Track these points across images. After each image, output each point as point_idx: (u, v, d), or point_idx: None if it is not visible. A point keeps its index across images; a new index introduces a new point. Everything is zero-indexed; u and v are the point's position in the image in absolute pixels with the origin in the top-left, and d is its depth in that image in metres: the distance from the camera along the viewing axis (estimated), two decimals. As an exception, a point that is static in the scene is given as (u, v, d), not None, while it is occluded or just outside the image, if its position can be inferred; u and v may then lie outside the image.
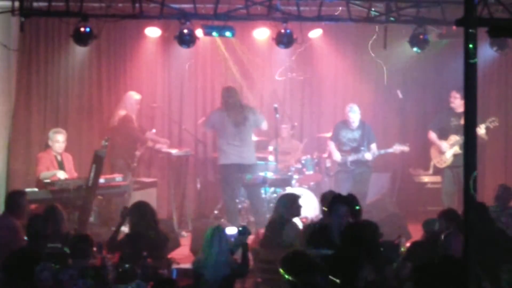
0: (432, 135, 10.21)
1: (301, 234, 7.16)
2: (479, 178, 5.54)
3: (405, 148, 9.98)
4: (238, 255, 6.19)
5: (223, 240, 5.87)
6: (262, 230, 7.55)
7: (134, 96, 10.14)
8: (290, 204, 7.26)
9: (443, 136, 10.11)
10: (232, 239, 6.25)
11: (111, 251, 6.51)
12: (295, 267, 5.01)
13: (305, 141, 10.88)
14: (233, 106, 9.42)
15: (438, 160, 10.20)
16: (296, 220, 8.17)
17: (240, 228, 6.04)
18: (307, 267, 5.00)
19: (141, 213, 6.97)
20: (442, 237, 6.00)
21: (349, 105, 10.04)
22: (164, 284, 5.28)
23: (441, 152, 10.12)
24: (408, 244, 6.58)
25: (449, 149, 10.00)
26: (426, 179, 11.07)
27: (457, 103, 9.99)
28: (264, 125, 9.70)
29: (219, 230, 5.95)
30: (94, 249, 6.16)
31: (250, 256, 6.54)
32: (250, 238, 7.38)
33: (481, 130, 9.76)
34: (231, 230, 6.05)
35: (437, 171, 10.61)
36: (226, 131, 9.41)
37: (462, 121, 10.00)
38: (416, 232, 7.07)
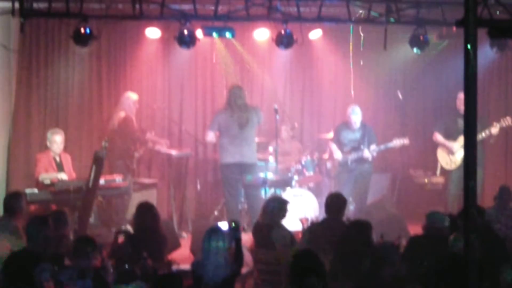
0: (439, 137, 10.15)
1: (289, 235, 7.16)
2: (479, 178, 5.55)
3: (405, 141, 9.97)
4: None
5: (221, 241, 5.87)
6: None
7: (132, 96, 10.13)
8: (280, 208, 7.28)
9: (450, 137, 10.05)
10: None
11: (114, 257, 6.50)
12: (301, 268, 5.01)
13: (306, 145, 10.89)
14: (239, 107, 9.43)
15: (446, 161, 10.14)
16: (293, 220, 8.21)
17: (233, 224, 6.04)
18: (314, 269, 4.99)
19: (145, 214, 6.97)
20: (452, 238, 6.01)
21: (350, 107, 10.04)
22: (169, 279, 5.27)
23: (451, 153, 10.06)
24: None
25: (461, 149, 9.93)
26: (426, 180, 11.05)
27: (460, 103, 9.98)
28: (262, 120, 9.74)
29: (217, 231, 5.94)
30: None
31: (246, 252, 6.54)
32: (249, 239, 7.40)
33: (495, 129, 9.77)
34: (223, 226, 6.04)
35: (442, 173, 10.56)
36: (230, 131, 9.42)
37: None
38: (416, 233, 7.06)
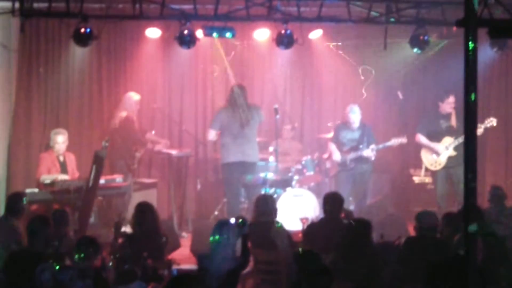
0: (422, 138, 10.11)
1: (287, 234, 7.16)
2: (479, 178, 5.55)
3: (403, 140, 9.97)
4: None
5: (231, 234, 5.92)
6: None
7: (134, 97, 10.13)
8: (267, 206, 7.28)
9: (433, 138, 10.04)
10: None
11: (114, 257, 6.50)
12: (307, 267, 5.01)
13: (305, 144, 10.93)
14: (241, 106, 9.44)
15: (431, 162, 10.11)
16: (293, 220, 8.20)
17: (240, 220, 6.07)
18: (319, 269, 5.01)
19: (144, 214, 6.97)
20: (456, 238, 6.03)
21: (349, 106, 10.06)
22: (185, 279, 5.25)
23: (436, 154, 10.04)
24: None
25: (445, 150, 9.95)
26: (426, 179, 11.05)
27: (448, 106, 9.99)
28: (263, 119, 9.73)
29: (227, 223, 6.00)
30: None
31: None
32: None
33: (479, 130, 9.72)
34: (230, 221, 6.10)
35: (427, 173, 10.56)
36: (231, 130, 9.43)
37: (452, 122, 9.99)
38: (416, 233, 7.07)
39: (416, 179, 10.96)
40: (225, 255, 5.85)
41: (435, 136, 10.01)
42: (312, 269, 5.00)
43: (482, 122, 9.81)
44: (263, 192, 9.52)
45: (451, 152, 9.88)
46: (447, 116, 9.92)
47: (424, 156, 10.21)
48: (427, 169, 10.34)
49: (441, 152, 9.98)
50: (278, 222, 7.27)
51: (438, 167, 10.05)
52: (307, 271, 4.98)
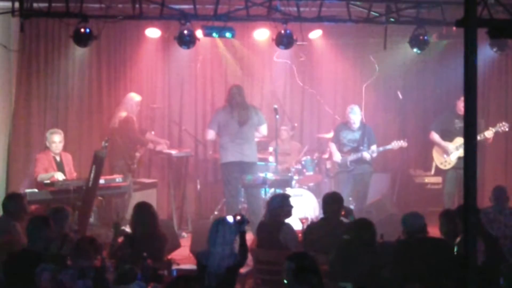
0: (435, 136, 10.12)
1: (296, 234, 7.16)
2: (479, 179, 5.55)
3: (403, 144, 9.96)
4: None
5: (228, 232, 5.94)
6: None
7: (135, 98, 10.12)
8: (282, 205, 7.27)
9: (446, 137, 10.03)
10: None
11: (114, 257, 6.50)
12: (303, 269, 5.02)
13: (306, 148, 10.89)
14: (239, 105, 9.45)
15: (441, 161, 10.12)
16: (293, 220, 8.19)
17: (238, 217, 6.09)
18: (311, 269, 5.01)
19: (143, 214, 6.97)
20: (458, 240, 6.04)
21: (350, 106, 10.05)
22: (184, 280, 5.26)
23: (446, 154, 10.04)
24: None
25: (456, 151, 9.93)
26: (426, 179, 11.05)
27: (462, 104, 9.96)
28: (264, 129, 9.68)
29: (225, 222, 6.02)
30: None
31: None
32: (249, 239, 7.39)
33: (490, 133, 9.73)
34: (229, 219, 6.12)
35: (438, 172, 10.57)
36: (230, 129, 9.43)
37: None
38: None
39: (427, 179, 10.97)
40: (223, 252, 5.88)
41: (448, 136, 10.00)
42: (301, 269, 5.00)
43: (494, 125, 9.81)
44: (262, 191, 9.53)
45: (461, 153, 9.86)
46: (463, 117, 9.86)
47: (435, 154, 10.22)
48: (436, 167, 10.35)
49: (451, 152, 9.97)
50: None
51: (448, 167, 10.05)
52: (297, 271, 4.99)
